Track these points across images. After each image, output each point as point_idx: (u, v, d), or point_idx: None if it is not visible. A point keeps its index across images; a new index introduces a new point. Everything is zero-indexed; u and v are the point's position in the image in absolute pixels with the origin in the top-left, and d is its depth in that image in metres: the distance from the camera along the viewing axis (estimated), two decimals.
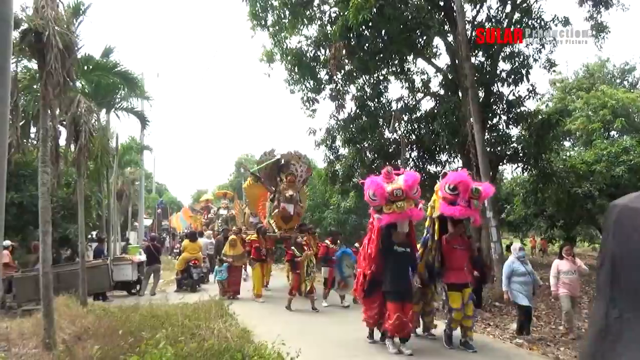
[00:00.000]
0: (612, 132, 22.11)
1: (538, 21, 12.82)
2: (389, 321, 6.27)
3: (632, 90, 24.43)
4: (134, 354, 4.91)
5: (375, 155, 14.88)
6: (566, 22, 12.72)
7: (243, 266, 12.37)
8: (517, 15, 12.90)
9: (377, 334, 7.18)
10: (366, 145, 14.86)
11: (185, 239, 15.49)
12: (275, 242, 13.53)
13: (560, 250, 8.27)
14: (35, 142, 9.85)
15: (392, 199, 6.16)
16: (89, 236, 15.75)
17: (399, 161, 14.32)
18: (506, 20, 12.95)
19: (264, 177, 13.98)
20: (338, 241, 11.05)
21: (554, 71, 15.21)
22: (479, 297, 9.63)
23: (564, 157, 17.15)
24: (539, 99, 15.47)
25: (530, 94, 13.13)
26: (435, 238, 6.91)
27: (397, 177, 6.54)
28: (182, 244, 15.68)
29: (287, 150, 14.10)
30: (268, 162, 13.78)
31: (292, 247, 10.40)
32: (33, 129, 10.16)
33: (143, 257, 13.77)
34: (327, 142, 15.42)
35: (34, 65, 9.28)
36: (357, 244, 10.85)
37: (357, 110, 14.73)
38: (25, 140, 9.84)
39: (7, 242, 11.90)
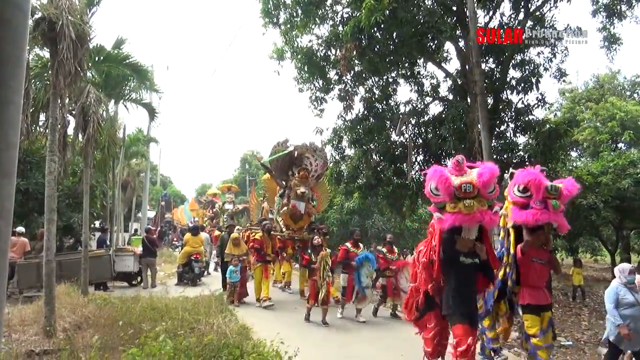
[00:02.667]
0: (620, 145, 22.01)
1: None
2: (459, 348, 4.73)
3: None
4: (134, 345, 4.95)
5: (381, 158, 14.85)
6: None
7: (248, 265, 11.37)
8: (529, 23, 12.84)
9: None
10: (372, 147, 14.82)
11: (187, 233, 15.60)
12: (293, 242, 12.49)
13: None
14: (43, 130, 9.92)
15: (459, 195, 4.76)
16: (92, 225, 15.83)
17: (404, 164, 14.31)
18: (519, 27, 12.89)
19: (275, 170, 12.92)
20: (360, 244, 9.82)
21: (564, 81, 15.11)
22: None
23: (571, 167, 17.05)
24: (548, 108, 15.37)
25: (539, 103, 13.04)
26: (511, 252, 5.64)
27: (469, 170, 5.13)
28: (183, 237, 15.80)
29: (302, 142, 13.18)
30: (280, 153, 12.71)
31: (309, 251, 9.32)
32: (42, 117, 10.24)
33: None
34: (334, 142, 15.38)
35: (45, 53, 9.34)
36: (384, 249, 9.86)
37: (365, 112, 14.69)
38: (33, 128, 9.91)
39: (21, 229, 12.04)
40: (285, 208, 12.01)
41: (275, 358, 5.04)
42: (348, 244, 9.56)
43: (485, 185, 4.79)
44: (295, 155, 12.77)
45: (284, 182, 12.72)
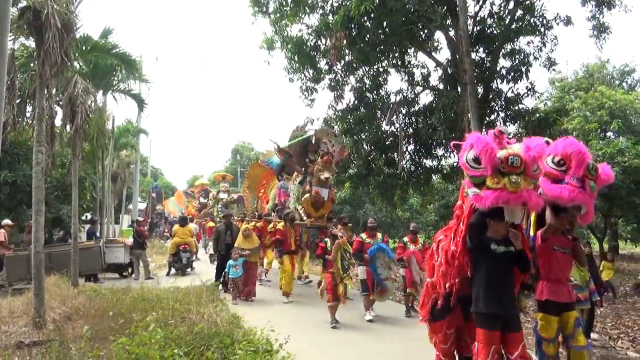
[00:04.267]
0: (609, 133, 22.15)
1: (540, 19, 12.79)
2: (478, 358, 4.01)
3: (630, 92, 24.45)
4: (124, 335, 4.94)
5: (372, 148, 14.87)
6: (568, 21, 12.71)
7: (259, 261, 10.33)
8: (519, 12, 12.87)
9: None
10: (363, 137, 14.83)
11: (175, 224, 15.83)
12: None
13: None
14: (30, 121, 9.82)
15: (504, 170, 4.02)
16: (83, 217, 15.76)
17: (395, 154, 14.34)
18: (509, 17, 12.92)
19: (294, 155, 12.37)
20: (378, 234, 8.83)
21: (554, 70, 15.18)
22: (590, 321, 7.07)
23: None
24: (538, 97, 15.41)
25: (529, 92, 13.10)
26: (530, 234, 4.77)
27: (509, 144, 4.32)
28: (172, 228, 15.93)
29: (321, 126, 12.62)
30: (299, 138, 12.19)
31: (325, 240, 8.30)
32: (29, 108, 10.14)
33: None
34: None
35: (31, 43, 9.21)
36: (405, 239, 9.00)
37: (356, 102, 14.68)
38: (20, 119, 9.81)
39: (7, 221, 11.97)
40: (307, 195, 11.32)
41: (265, 345, 5.06)
42: (363, 235, 8.68)
43: (532, 162, 4.09)
44: (313, 140, 12.17)
45: (303, 168, 12.11)
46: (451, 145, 4.63)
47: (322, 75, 14.70)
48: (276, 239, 10.45)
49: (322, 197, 11.10)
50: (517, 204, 4.03)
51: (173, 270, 13.94)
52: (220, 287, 10.16)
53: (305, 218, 11.28)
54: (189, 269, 14.25)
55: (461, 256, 4.30)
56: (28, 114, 10.48)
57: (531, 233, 4.74)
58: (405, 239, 9.07)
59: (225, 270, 9.84)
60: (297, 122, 12.25)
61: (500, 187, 3.95)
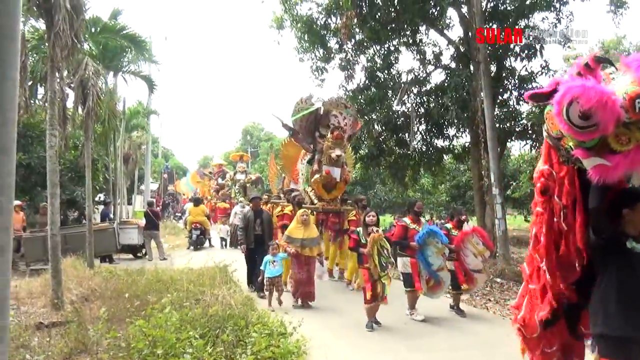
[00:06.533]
0: None
1: None
2: None
3: None
4: (140, 317, 5.02)
5: (383, 128, 14.76)
6: None
7: (318, 257, 8.25)
8: None
9: None
10: (374, 117, 14.72)
11: (189, 204, 17.71)
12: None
13: None
14: (42, 104, 9.86)
15: (630, 119, 2.61)
16: (96, 199, 15.99)
17: (406, 134, 14.23)
18: None
19: (301, 131, 10.84)
20: (423, 219, 7.39)
21: (569, 47, 14.88)
22: None
23: None
24: (552, 75, 15.15)
25: (544, 70, 12.87)
26: None
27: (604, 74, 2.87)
28: (186, 209, 17.22)
29: (329, 96, 10.99)
30: (305, 111, 10.69)
31: (357, 230, 6.94)
32: (41, 90, 10.18)
33: None
34: None
35: (41, 25, 9.20)
36: (448, 225, 7.58)
37: (367, 81, 14.54)
38: (33, 102, 9.86)
39: (17, 202, 12.10)
40: (317, 176, 10.07)
41: (279, 328, 5.11)
42: (407, 219, 7.28)
43: None
44: (322, 113, 10.75)
45: (311, 146, 10.80)
46: (525, 96, 3.17)
47: (332, 55, 14.56)
48: (283, 224, 9.25)
49: (334, 178, 9.90)
50: None
51: (191, 248, 15.37)
52: (250, 288, 8.73)
53: (316, 201, 10.06)
54: (206, 245, 15.91)
55: (571, 245, 3.09)
56: (40, 96, 10.54)
57: None
58: (448, 224, 7.65)
59: (261, 267, 7.82)
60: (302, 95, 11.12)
61: (634, 147, 2.66)
